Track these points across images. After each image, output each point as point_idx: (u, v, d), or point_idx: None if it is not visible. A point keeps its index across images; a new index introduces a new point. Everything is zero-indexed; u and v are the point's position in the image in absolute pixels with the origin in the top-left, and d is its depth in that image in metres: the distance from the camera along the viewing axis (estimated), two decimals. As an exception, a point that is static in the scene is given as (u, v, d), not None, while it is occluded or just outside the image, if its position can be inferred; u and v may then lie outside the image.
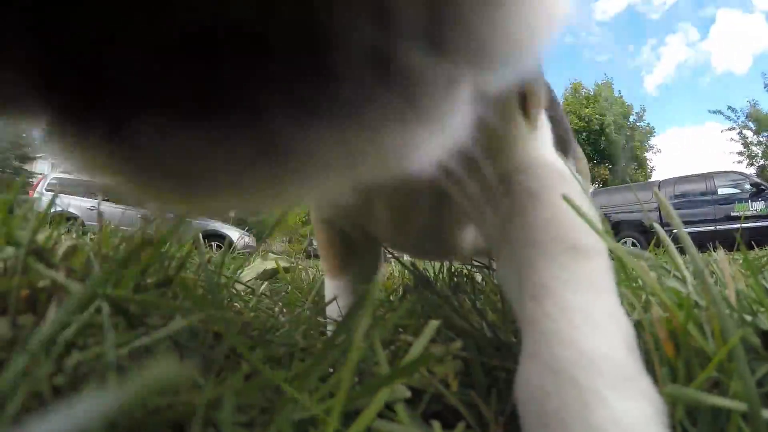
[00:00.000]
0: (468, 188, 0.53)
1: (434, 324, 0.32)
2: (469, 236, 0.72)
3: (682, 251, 0.51)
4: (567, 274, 0.37)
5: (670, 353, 0.39)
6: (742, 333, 0.34)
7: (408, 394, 0.30)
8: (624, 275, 0.54)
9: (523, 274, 0.40)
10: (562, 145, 0.66)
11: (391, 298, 0.84)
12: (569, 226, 0.41)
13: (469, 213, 0.55)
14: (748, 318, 0.44)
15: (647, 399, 0.29)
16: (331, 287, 0.79)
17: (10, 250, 0.43)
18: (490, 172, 0.49)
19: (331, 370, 0.39)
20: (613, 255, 0.46)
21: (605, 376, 0.29)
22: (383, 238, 0.75)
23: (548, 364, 0.31)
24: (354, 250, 0.79)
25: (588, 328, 0.33)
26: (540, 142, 0.51)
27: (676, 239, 0.49)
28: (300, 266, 1.53)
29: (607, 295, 0.37)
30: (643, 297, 0.50)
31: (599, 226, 0.42)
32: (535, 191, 0.45)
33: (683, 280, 0.49)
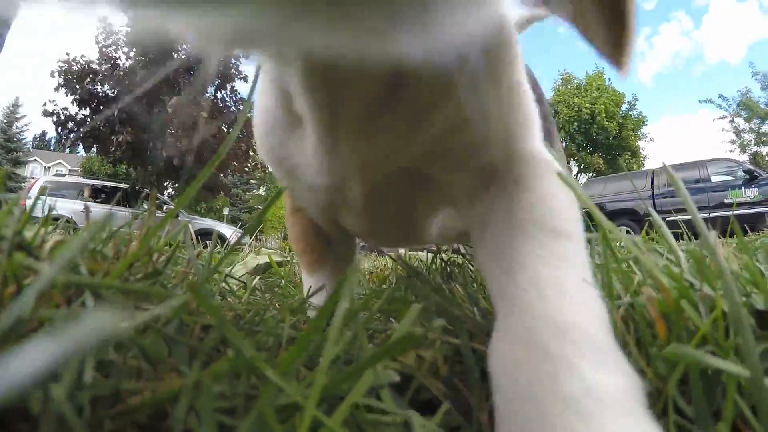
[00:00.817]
0: (457, 176, 0.53)
1: (417, 307, 0.31)
2: (438, 223, 0.73)
3: (675, 236, 0.50)
4: (543, 251, 0.38)
5: (663, 333, 0.39)
6: (742, 303, 0.34)
7: (396, 378, 0.29)
8: (615, 258, 0.54)
9: (501, 253, 0.40)
10: (549, 139, 0.70)
11: (383, 287, 0.83)
12: (551, 211, 0.42)
13: (452, 198, 0.56)
14: (743, 298, 0.44)
15: (621, 371, 0.29)
16: (309, 283, 0.79)
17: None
18: (482, 160, 0.50)
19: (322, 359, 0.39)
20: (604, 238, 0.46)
21: (576, 345, 0.29)
22: (352, 225, 0.74)
23: (520, 336, 0.31)
24: (328, 244, 0.80)
25: (559, 299, 0.33)
26: (532, 136, 0.52)
27: (668, 225, 0.50)
28: (294, 260, 1.53)
29: (580, 270, 0.37)
30: (636, 279, 0.50)
31: (579, 214, 0.43)
32: (520, 178, 0.47)
33: (677, 263, 0.49)
